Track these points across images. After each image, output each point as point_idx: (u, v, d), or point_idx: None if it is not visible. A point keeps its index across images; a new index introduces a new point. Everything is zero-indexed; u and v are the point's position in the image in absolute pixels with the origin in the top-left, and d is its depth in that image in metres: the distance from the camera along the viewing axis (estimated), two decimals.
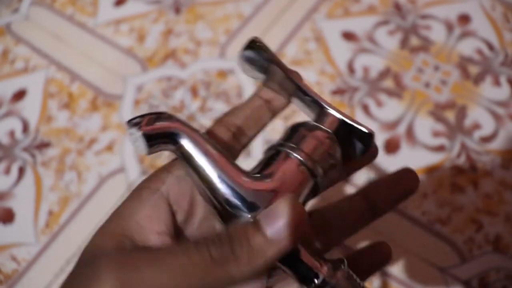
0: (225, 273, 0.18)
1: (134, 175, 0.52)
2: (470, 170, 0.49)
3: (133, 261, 0.17)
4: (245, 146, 0.24)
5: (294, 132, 0.23)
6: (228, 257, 0.18)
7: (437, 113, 0.53)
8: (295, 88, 0.23)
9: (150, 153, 0.21)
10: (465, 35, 0.57)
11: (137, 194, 0.21)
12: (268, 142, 0.50)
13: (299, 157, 0.22)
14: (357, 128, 0.23)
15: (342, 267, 0.21)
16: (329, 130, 0.23)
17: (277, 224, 0.18)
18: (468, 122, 0.52)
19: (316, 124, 0.23)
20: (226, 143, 0.23)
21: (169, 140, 0.21)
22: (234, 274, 0.18)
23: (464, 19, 0.58)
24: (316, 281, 0.20)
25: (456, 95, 0.53)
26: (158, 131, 0.21)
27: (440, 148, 0.51)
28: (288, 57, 0.57)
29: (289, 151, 0.22)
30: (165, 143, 0.21)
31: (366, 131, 0.22)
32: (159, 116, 0.21)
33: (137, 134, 0.20)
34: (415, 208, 0.48)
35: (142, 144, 0.21)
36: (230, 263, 0.18)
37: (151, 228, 0.20)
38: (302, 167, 0.22)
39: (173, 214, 0.21)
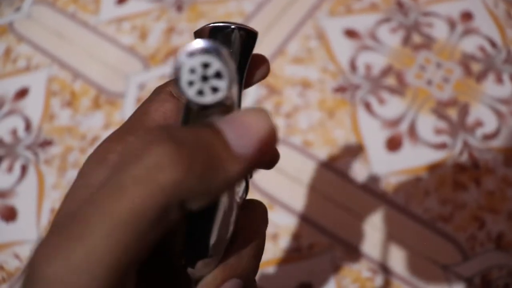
0: None
1: None
2: (473, 168, 0.49)
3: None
4: None
5: None
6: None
7: (439, 110, 0.52)
8: None
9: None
10: (467, 32, 0.57)
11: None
12: None
13: None
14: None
15: None
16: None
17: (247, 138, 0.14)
18: (470, 119, 0.52)
19: None
20: None
21: None
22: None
23: (467, 16, 0.58)
24: None
25: (459, 92, 0.53)
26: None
27: (442, 146, 0.51)
28: (290, 54, 0.57)
29: None
30: None
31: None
32: None
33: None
34: (417, 206, 0.48)
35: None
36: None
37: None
38: None
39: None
